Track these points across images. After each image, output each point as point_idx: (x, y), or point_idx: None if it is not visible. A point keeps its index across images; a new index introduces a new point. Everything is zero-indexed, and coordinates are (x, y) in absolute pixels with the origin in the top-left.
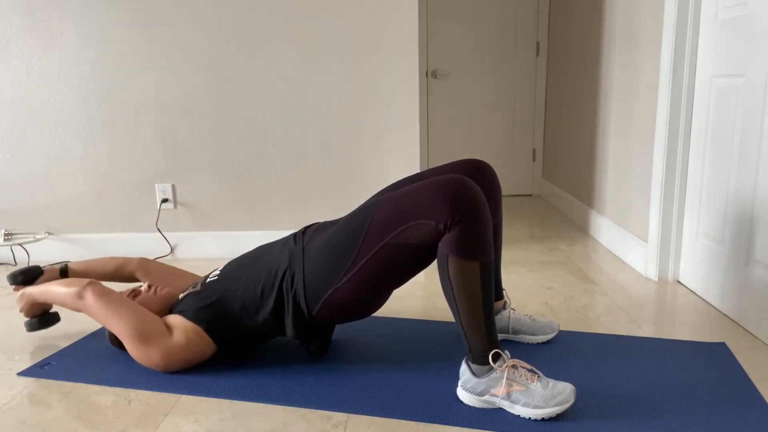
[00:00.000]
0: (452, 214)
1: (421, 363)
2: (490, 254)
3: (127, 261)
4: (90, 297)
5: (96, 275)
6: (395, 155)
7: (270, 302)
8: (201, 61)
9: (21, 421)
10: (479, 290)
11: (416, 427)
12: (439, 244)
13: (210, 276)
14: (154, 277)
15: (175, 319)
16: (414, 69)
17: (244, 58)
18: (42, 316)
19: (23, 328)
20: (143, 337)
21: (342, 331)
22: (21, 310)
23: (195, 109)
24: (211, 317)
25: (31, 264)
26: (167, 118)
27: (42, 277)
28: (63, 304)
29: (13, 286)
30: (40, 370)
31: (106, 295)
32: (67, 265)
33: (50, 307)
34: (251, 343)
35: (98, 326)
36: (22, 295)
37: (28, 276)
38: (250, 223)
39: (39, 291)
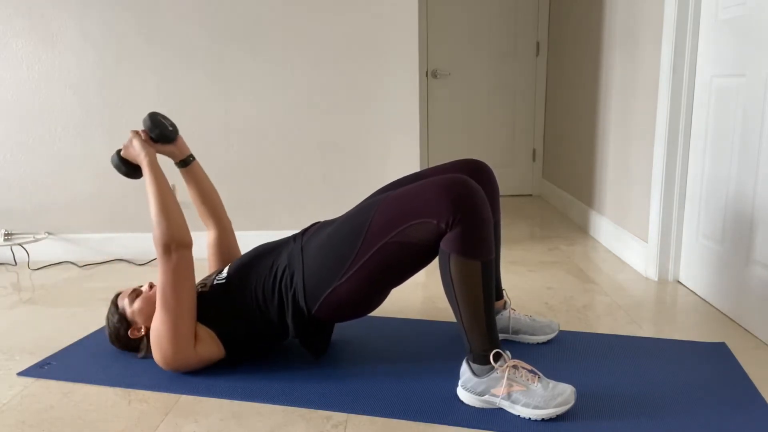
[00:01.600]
0: (453, 213)
1: (421, 363)
2: (491, 253)
3: (221, 213)
4: (175, 260)
5: (197, 191)
6: (395, 155)
7: (273, 303)
8: (201, 61)
9: (21, 421)
10: (480, 289)
11: (416, 427)
12: (441, 243)
13: (217, 278)
14: (220, 246)
15: (202, 331)
16: (414, 69)
17: (244, 58)
18: (133, 166)
19: (23, 328)
20: (176, 335)
21: (342, 331)
22: (125, 147)
23: (195, 109)
24: (223, 321)
25: (172, 123)
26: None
27: (168, 147)
28: (152, 215)
29: (143, 129)
30: (40, 370)
31: (186, 271)
32: (193, 160)
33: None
34: (260, 347)
35: (98, 326)
36: (143, 147)
37: (163, 136)
38: (250, 223)
39: (154, 177)
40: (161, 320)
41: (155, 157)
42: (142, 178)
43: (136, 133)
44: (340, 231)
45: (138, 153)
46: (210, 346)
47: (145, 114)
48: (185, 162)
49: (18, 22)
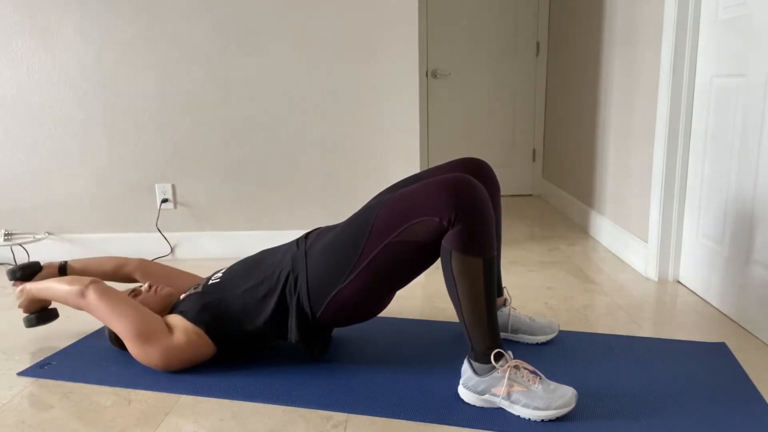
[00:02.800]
0: (455, 210)
1: (421, 363)
2: (493, 250)
3: (126, 261)
4: (92, 295)
5: (95, 274)
6: (395, 155)
7: (271, 306)
8: (201, 61)
9: (21, 421)
10: (482, 286)
11: (416, 427)
12: (443, 241)
13: (212, 278)
14: (153, 277)
15: (176, 320)
16: (414, 69)
17: (244, 57)
18: (41, 313)
19: (23, 328)
20: (144, 336)
21: (342, 331)
22: (20, 306)
23: (195, 109)
24: (212, 319)
25: (30, 260)
26: (167, 118)
27: (41, 274)
28: (64, 302)
29: (12, 282)
30: (40, 370)
31: (108, 293)
32: (66, 263)
33: (49, 303)
34: (251, 345)
35: (98, 326)
36: (21, 291)
37: (27, 272)
38: (250, 223)
39: (39, 288)
40: (127, 339)
41: (34, 283)
42: (148, 180)
43: (21, 290)
44: (344, 233)
45: (24, 293)
46: (191, 336)
47: (148, 113)
48: (62, 269)
49: (18, 22)
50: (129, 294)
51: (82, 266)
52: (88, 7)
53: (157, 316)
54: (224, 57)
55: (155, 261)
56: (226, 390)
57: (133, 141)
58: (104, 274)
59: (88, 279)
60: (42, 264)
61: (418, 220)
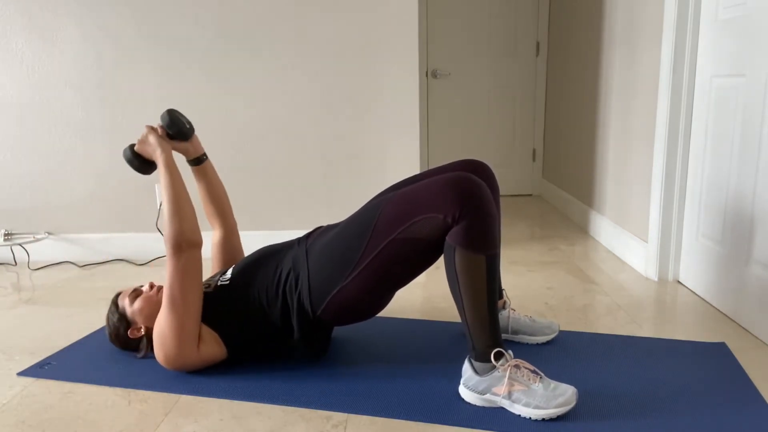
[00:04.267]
0: (459, 207)
1: (422, 363)
2: (495, 247)
3: (228, 214)
4: (185, 259)
5: (207, 191)
6: (395, 155)
7: (277, 306)
8: (201, 61)
9: (21, 421)
10: (484, 283)
11: (416, 427)
12: (447, 237)
13: (221, 279)
14: (226, 247)
15: (204, 332)
16: (414, 69)
17: (244, 58)
18: (146, 161)
19: (23, 328)
20: (180, 334)
21: (342, 331)
22: (140, 141)
23: (195, 109)
24: (225, 323)
25: (189, 123)
26: None
27: (183, 144)
28: (164, 213)
29: (160, 124)
30: (40, 370)
31: (195, 271)
32: (206, 160)
33: (160, 182)
34: (262, 348)
35: (98, 326)
36: (160, 143)
37: (179, 134)
38: (250, 223)
39: (168, 174)
40: (166, 318)
41: (171, 155)
42: (153, 174)
43: (152, 128)
44: (346, 231)
45: (154, 149)
46: (212, 347)
47: (148, 113)
48: (198, 160)
49: (18, 22)
50: (130, 294)
51: (208, 178)
52: (88, 7)
53: (200, 324)
54: (224, 57)
55: (153, 263)
56: (226, 390)
57: (133, 141)
58: (210, 199)
59: (198, 238)
60: (194, 134)
61: (422, 217)
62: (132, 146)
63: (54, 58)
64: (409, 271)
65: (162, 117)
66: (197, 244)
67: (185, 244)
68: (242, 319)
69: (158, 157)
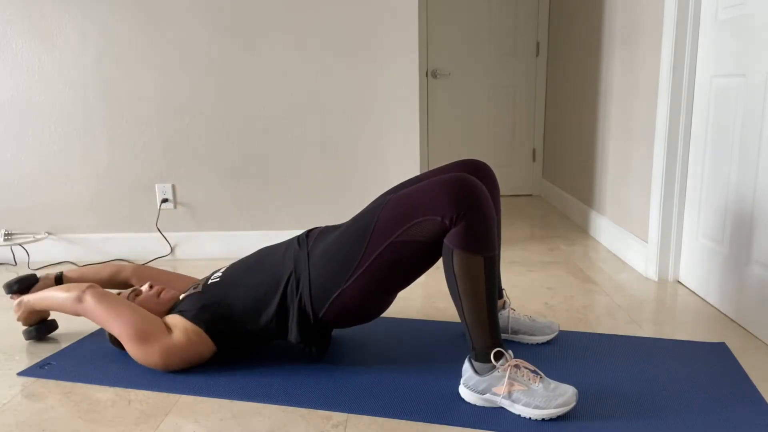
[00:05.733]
0: (457, 209)
1: (421, 363)
2: (494, 249)
3: (121, 267)
4: (89, 300)
5: (91, 282)
6: (395, 155)
7: (273, 306)
8: (201, 61)
9: (21, 421)
10: (483, 284)
11: (416, 427)
12: (445, 239)
13: (212, 278)
14: (149, 281)
15: (175, 319)
16: (414, 69)
17: (245, 58)
18: (40, 325)
19: (23, 328)
20: (143, 336)
21: (342, 330)
22: (18, 319)
23: (195, 109)
24: (212, 318)
25: (26, 273)
26: (167, 118)
27: (38, 285)
28: (62, 309)
29: (10, 295)
30: (40, 370)
31: (105, 297)
32: (62, 273)
33: (48, 314)
34: (251, 344)
35: (98, 326)
36: (19, 304)
37: (24, 284)
38: (250, 223)
39: (37, 298)
40: (126, 341)
41: (35, 297)
42: (151, 176)
43: (19, 303)
44: (346, 234)
45: (24, 309)
46: (190, 335)
47: (148, 113)
48: (59, 280)
49: (18, 22)
50: (130, 294)
51: (77, 275)
52: (88, 8)
53: (155, 317)
54: (224, 57)
55: (148, 265)
56: (226, 390)
57: (133, 141)
58: (101, 281)
59: (84, 284)
60: (38, 276)
61: (420, 219)
62: (24, 330)
63: (54, 58)
64: (410, 273)
65: (5, 292)
66: (85, 287)
67: (78, 293)
68: (231, 315)
69: (28, 305)
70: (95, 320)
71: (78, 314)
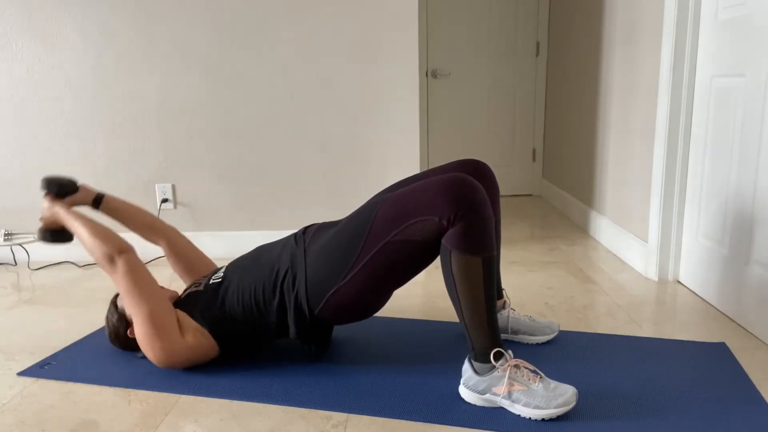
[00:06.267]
0: (455, 210)
1: (421, 363)
2: (492, 249)
3: (158, 224)
4: (121, 266)
5: (126, 220)
6: (395, 155)
7: (273, 304)
8: (201, 61)
9: (21, 420)
10: (482, 285)
11: (416, 427)
12: (442, 240)
13: (213, 277)
14: (177, 251)
15: (186, 319)
16: (414, 69)
17: (244, 58)
18: (58, 232)
19: (23, 328)
20: (156, 326)
21: (342, 331)
22: (41, 219)
23: (195, 109)
24: (216, 319)
25: (69, 178)
26: (167, 118)
27: (75, 196)
28: (89, 252)
29: (45, 193)
30: (40, 370)
31: (136, 271)
32: (103, 197)
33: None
34: (254, 345)
35: (98, 326)
36: (50, 208)
37: (63, 190)
38: (250, 223)
39: (69, 220)
40: (138, 322)
41: (68, 208)
42: (149, 176)
43: (50, 207)
44: (343, 232)
45: (53, 213)
46: (197, 338)
47: (148, 113)
48: (97, 201)
49: (18, 22)
50: None
51: (116, 207)
52: (88, 8)
53: (173, 311)
54: (224, 57)
55: (153, 261)
56: (226, 390)
57: (133, 141)
58: (134, 225)
59: (123, 244)
60: (79, 185)
61: (417, 219)
62: (40, 230)
63: (54, 58)
64: (406, 272)
65: (41, 187)
66: (125, 248)
67: (115, 254)
68: (234, 315)
69: (58, 215)
70: (117, 286)
71: (103, 269)
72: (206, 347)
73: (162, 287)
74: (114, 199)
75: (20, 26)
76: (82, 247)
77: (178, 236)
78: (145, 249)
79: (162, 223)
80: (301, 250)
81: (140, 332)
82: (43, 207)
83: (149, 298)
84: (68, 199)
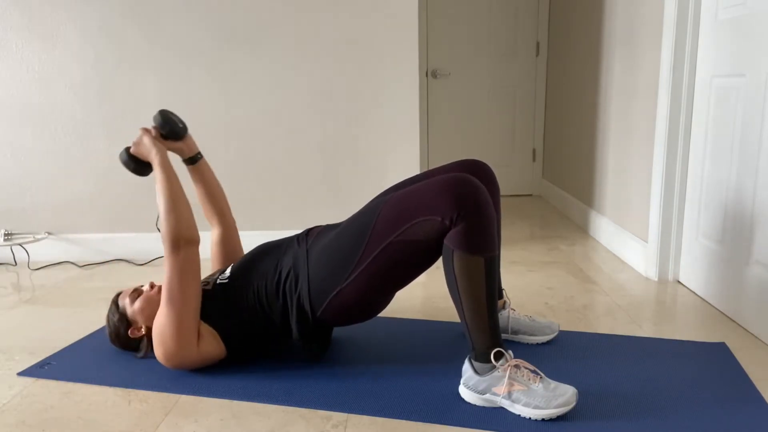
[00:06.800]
0: (457, 209)
1: (422, 363)
2: (494, 249)
3: (227, 213)
4: (183, 255)
5: (205, 190)
6: (395, 155)
7: (277, 305)
8: (201, 61)
9: (21, 421)
10: (483, 285)
11: (416, 427)
12: (445, 240)
13: (220, 277)
14: (224, 241)
15: (204, 329)
16: (414, 69)
17: (244, 58)
18: (142, 165)
19: (23, 328)
20: (179, 329)
21: (342, 331)
22: (135, 143)
23: (195, 108)
24: (224, 320)
25: (182, 122)
26: None
27: (177, 143)
28: (162, 219)
29: (153, 125)
30: (40, 370)
31: (193, 266)
32: (201, 158)
33: (156, 182)
34: (260, 347)
35: (98, 326)
36: (154, 144)
37: (173, 133)
38: (250, 223)
39: (164, 172)
40: (166, 315)
41: (166, 154)
42: (150, 175)
43: (146, 130)
44: (345, 232)
45: (149, 150)
46: (212, 345)
47: (148, 113)
48: (193, 159)
49: (18, 22)
50: (130, 294)
51: (205, 177)
52: (88, 8)
53: (198, 319)
54: (224, 57)
55: (160, 258)
56: (226, 390)
57: (133, 141)
58: (208, 198)
59: (196, 235)
60: (186, 134)
61: (420, 219)
62: (128, 149)
63: (54, 58)
64: (408, 273)
65: (155, 118)
66: (194, 241)
67: (183, 242)
68: (241, 317)
69: (153, 158)
70: (166, 267)
71: (162, 241)
72: (214, 355)
73: (154, 284)
74: (207, 168)
75: (20, 26)
76: (80, 251)
77: (234, 232)
78: (145, 249)
79: (230, 212)
80: (304, 251)
81: (163, 326)
82: (144, 137)
83: (188, 300)
84: (170, 143)
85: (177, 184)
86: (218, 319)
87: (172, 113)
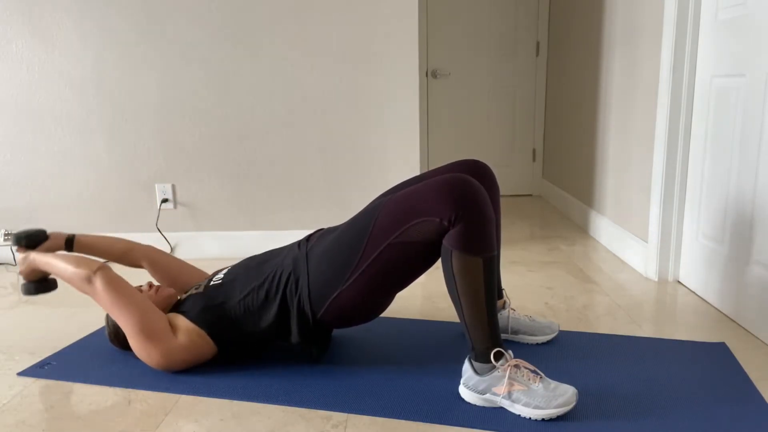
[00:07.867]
0: (455, 210)
1: (421, 363)
2: (493, 250)
3: (134, 246)
4: (99, 283)
5: (101, 254)
6: (395, 155)
7: (274, 307)
8: (201, 61)
9: (21, 421)
10: (482, 285)
11: (416, 427)
12: (443, 240)
13: (213, 279)
14: (159, 267)
15: (179, 320)
16: (414, 69)
17: (244, 58)
18: (41, 282)
19: (23, 328)
20: (147, 333)
21: (342, 331)
22: (20, 273)
23: (195, 108)
24: (214, 320)
25: (36, 228)
26: (167, 118)
27: (46, 243)
28: (69, 282)
29: (17, 248)
30: (40, 370)
31: (115, 283)
32: (74, 237)
33: (50, 273)
34: (253, 347)
35: (98, 326)
36: (25, 258)
37: (33, 241)
38: (250, 223)
39: (44, 261)
40: (129, 333)
41: (41, 254)
42: (151, 174)
43: (24, 258)
44: (344, 235)
45: (30, 262)
46: (192, 337)
47: (149, 113)
48: (69, 243)
49: (18, 22)
50: None
51: (90, 243)
52: (88, 7)
53: (162, 315)
54: (224, 57)
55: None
56: (226, 390)
57: (133, 141)
58: (111, 255)
59: (96, 263)
60: (48, 234)
61: (418, 220)
62: (23, 285)
63: (54, 59)
64: (408, 274)
65: (12, 244)
66: (98, 266)
67: (89, 273)
68: (232, 316)
69: (34, 262)
70: (101, 304)
71: (84, 293)
72: (201, 346)
73: (158, 287)
74: (85, 236)
75: (20, 26)
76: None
77: (156, 254)
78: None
79: (138, 245)
80: (303, 254)
81: (134, 342)
82: (20, 264)
83: (134, 307)
84: (40, 247)
85: (57, 258)
86: (206, 317)
87: (21, 231)
